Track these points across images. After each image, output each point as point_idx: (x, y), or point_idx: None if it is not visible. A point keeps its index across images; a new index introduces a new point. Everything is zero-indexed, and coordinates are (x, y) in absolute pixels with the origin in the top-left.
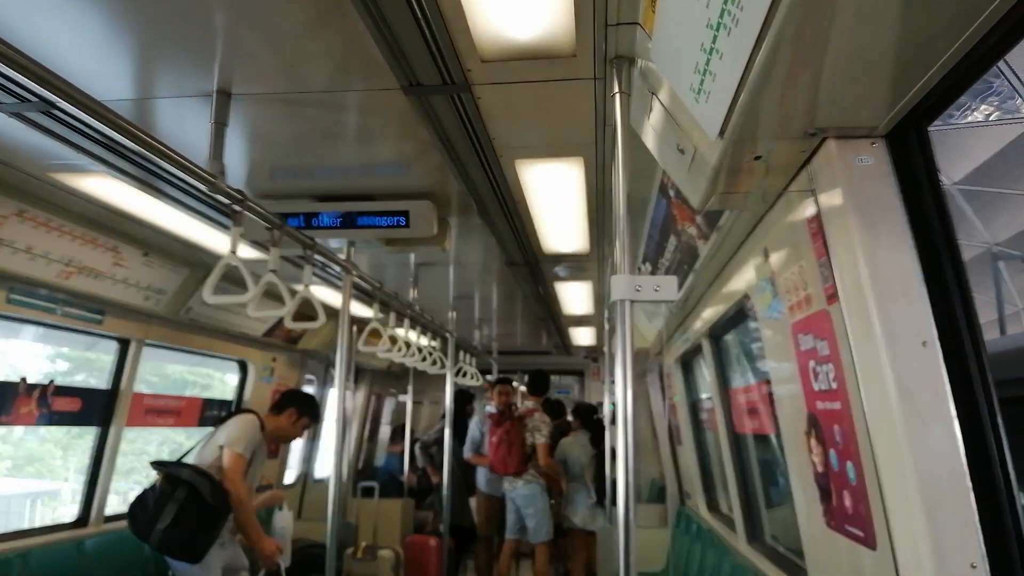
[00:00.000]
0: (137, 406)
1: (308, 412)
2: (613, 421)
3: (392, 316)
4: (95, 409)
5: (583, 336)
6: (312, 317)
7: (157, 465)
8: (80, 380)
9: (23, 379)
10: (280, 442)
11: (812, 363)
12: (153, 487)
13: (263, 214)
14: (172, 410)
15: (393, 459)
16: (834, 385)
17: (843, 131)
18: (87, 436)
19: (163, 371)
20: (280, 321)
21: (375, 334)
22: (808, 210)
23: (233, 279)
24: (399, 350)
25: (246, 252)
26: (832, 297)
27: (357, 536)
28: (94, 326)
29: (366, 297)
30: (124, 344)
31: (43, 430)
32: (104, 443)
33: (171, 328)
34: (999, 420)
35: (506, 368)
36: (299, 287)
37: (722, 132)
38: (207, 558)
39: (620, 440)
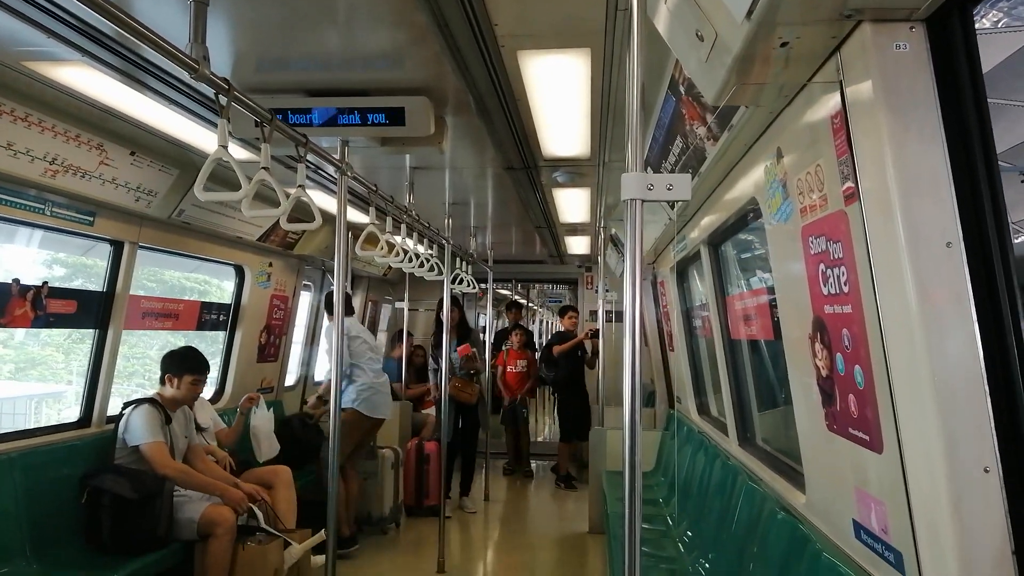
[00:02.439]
0: (135, 309)
1: (186, 369)
2: (596, 335)
3: (388, 222)
4: (91, 312)
5: (578, 245)
6: (307, 220)
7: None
8: (78, 285)
9: (16, 280)
10: (182, 406)
11: (822, 266)
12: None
13: (252, 107)
14: (170, 313)
15: (391, 363)
16: (845, 288)
17: (881, 13)
18: (88, 340)
19: (161, 277)
20: (275, 226)
21: (371, 240)
22: (832, 104)
23: (224, 180)
24: (396, 256)
25: (238, 154)
26: (851, 197)
27: None
28: (85, 228)
29: (361, 202)
30: (117, 247)
31: (44, 334)
32: (103, 346)
33: (165, 231)
34: (1021, 325)
35: (501, 277)
36: (293, 190)
37: (750, 13)
38: (186, 506)
39: (627, 343)
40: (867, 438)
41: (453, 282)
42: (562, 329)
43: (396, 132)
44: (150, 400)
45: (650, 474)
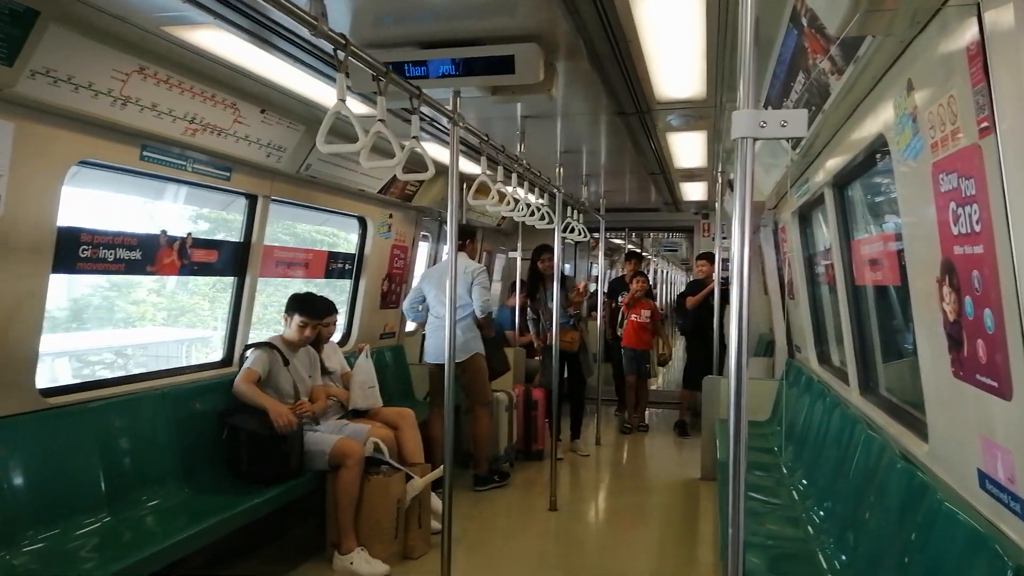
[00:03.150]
0: (269, 259)
1: (296, 310)
2: (726, 287)
3: (500, 171)
4: (230, 261)
5: (694, 191)
6: (421, 171)
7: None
8: (220, 238)
9: (163, 232)
10: (303, 345)
11: (953, 205)
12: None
13: (368, 61)
14: (301, 262)
15: (505, 311)
16: (977, 228)
17: None
18: (229, 289)
19: (293, 231)
20: (394, 178)
21: (483, 189)
22: (968, 29)
23: (344, 134)
24: (507, 205)
25: (357, 108)
26: (986, 130)
27: None
28: (223, 182)
29: (473, 153)
30: (252, 200)
31: (191, 284)
32: (241, 292)
33: (293, 184)
34: None
35: (614, 226)
36: (408, 142)
37: None
38: (319, 440)
39: (735, 289)
40: (995, 384)
41: (564, 231)
42: (697, 279)
43: (506, 81)
44: (267, 343)
45: (766, 423)
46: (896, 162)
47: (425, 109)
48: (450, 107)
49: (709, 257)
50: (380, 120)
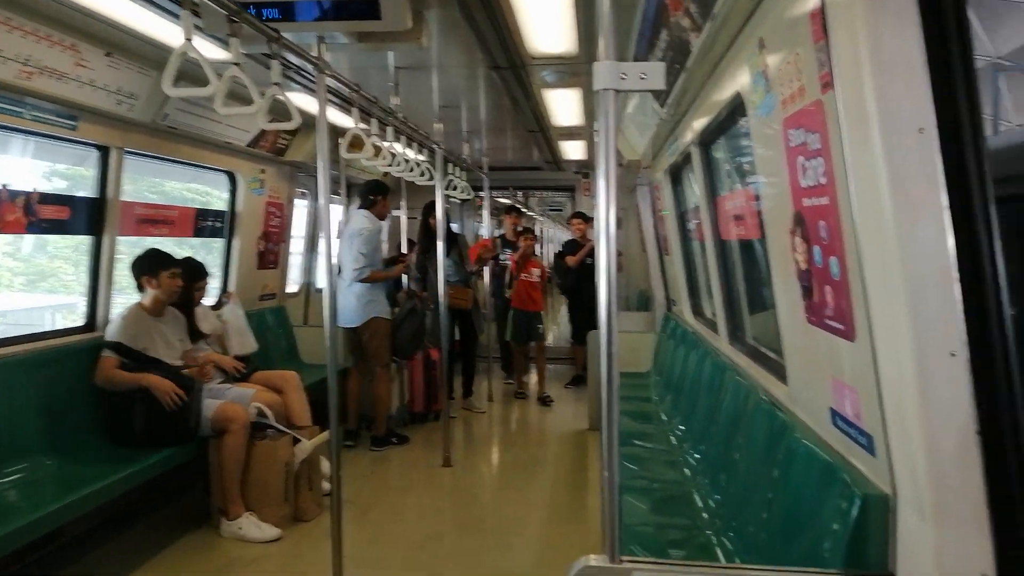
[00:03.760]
0: (128, 216)
1: (153, 269)
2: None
3: (374, 124)
4: (85, 218)
5: (573, 150)
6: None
7: None
8: (73, 194)
9: (4, 186)
10: (166, 306)
11: (801, 159)
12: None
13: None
14: (166, 220)
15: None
16: (823, 180)
17: None
18: None
19: (161, 189)
20: (264, 131)
21: (358, 143)
22: None
23: (203, 81)
24: (384, 160)
25: (217, 55)
26: (827, 85)
27: None
28: (69, 132)
29: (346, 105)
30: (104, 152)
31: (51, 247)
32: (99, 252)
33: (152, 136)
34: (992, 212)
35: (497, 184)
36: (269, 89)
37: None
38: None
39: (601, 246)
40: (842, 327)
41: (447, 188)
42: (573, 237)
43: (372, 27)
44: (123, 316)
45: (646, 374)
46: (752, 119)
47: (295, 60)
48: (315, 54)
49: (584, 216)
50: (235, 64)
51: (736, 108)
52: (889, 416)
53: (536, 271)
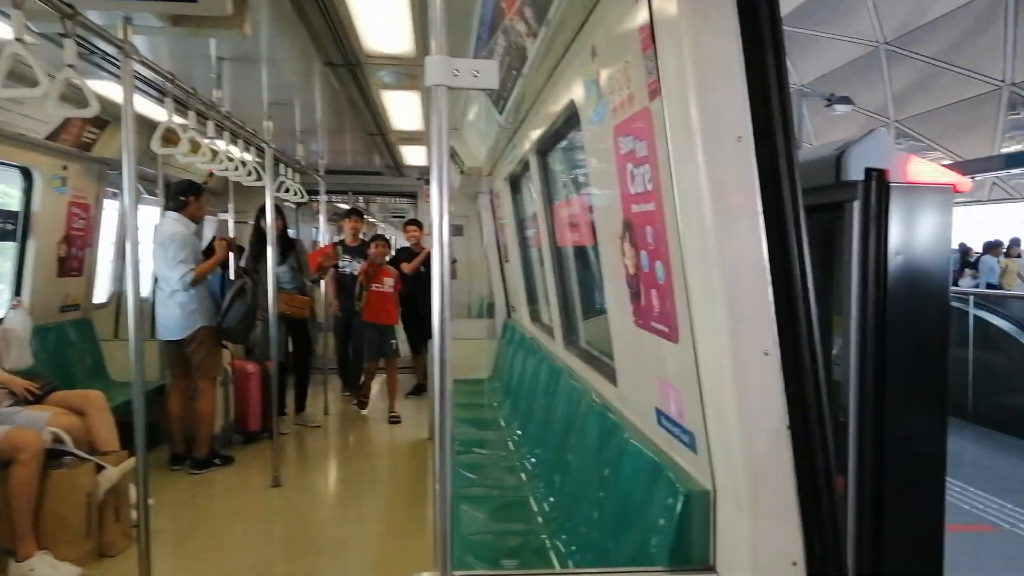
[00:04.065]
0: None
1: None
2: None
3: (192, 118)
4: None
5: (415, 155)
6: (101, 122)
7: None
8: None
9: None
10: None
11: (630, 166)
12: None
13: None
14: None
15: (217, 279)
16: (649, 187)
17: None
18: None
19: None
20: (66, 123)
21: (173, 138)
22: None
23: None
24: (204, 156)
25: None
26: (655, 93)
27: None
28: None
29: (161, 95)
30: None
31: None
32: None
33: None
34: (801, 217)
35: (336, 188)
36: (62, 72)
37: None
38: None
39: (435, 252)
40: (667, 330)
41: (278, 190)
42: (406, 245)
43: (186, 9)
44: None
45: (487, 381)
46: (585, 127)
47: (104, 46)
48: (120, 35)
49: (419, 223)
50: (17, 40)
51: (571, 116)
52: (709, 414)
53: (389, 280)
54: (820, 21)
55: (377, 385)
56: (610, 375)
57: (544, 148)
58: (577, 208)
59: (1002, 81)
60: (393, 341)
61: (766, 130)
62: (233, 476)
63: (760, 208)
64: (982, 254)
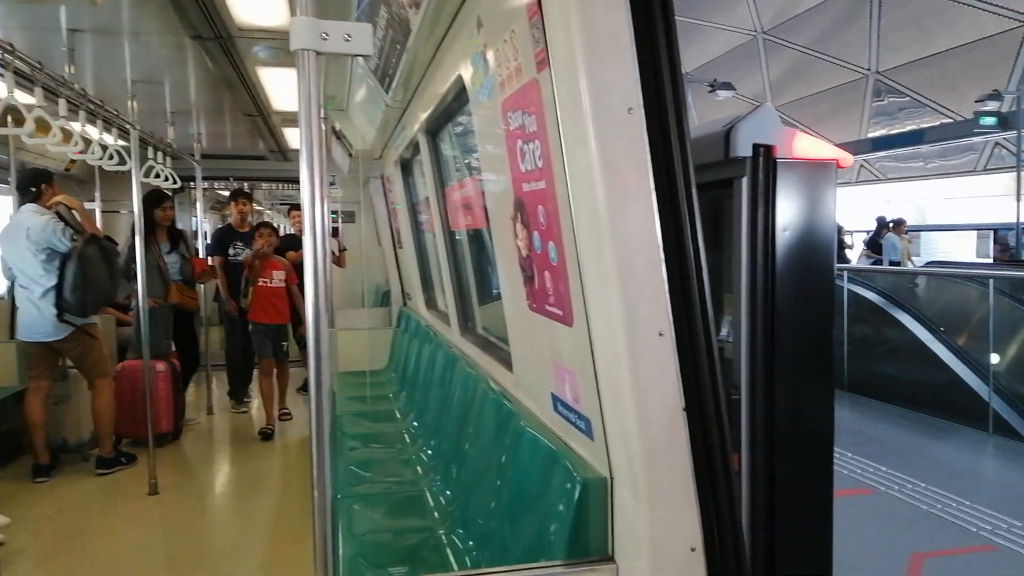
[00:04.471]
0: None
1: None
2: (334, 233)
3: (39, 94)
4: None
5: (299, 138)
6: None
7: None
8: None
9: None
10: None
11: (520, 142)
12: None
13: None
14: None
15: None
16: (540, 164)
17: None
18: None
19: None
20: None
21: (18, 117)
22: None
23: None
24: (54, 138)
25: None
26: (543, 63)
27: None
28: None
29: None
30: None
31: None
32: None
33: None
34: (693, 195)
35: (213, 174)
36: None
37: None
38: None
39: (307, 236)
40: (560, 313)
41: (146, 176)
42: (292, 232)
43: None
44: None
45: (383, 371)
46: (473, 104)
47: None
48: None
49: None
50: None
51: (460, 92)
52: (605, 398)
53: (279, 274)
54: (704, 11)
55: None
56: (506, 361)
57: (434, 128)
58: (469, 190)
59: (868, 69)
60: (284, 343)
61: (658, 103)
62: (105, 486)
63: (652, 185)
64: (872, 233)
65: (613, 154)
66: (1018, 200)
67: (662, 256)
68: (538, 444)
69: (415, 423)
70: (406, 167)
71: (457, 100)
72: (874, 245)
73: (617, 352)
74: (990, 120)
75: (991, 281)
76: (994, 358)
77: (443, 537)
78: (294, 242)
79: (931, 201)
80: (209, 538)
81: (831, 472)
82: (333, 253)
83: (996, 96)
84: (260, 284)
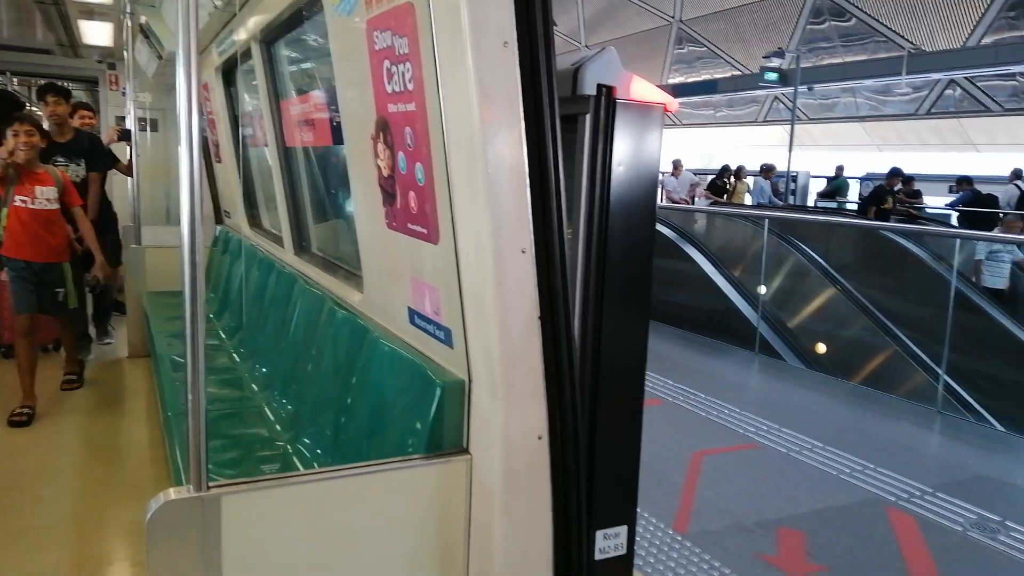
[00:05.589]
0: None
1: None
2: (127, 136)
3: None
4: None
5: (97, 33)
6: None
7: None
8: None
9: None
10: None
11: (387, 63)
12: None
13: None
14: None
15: None
16: (410, 86)
17: None
18: None
19: None
20: None
21: None
22: None
23: None
24: None
25: None
26: None
27: None
28: None
29: None
30: None
31: None
32: None
33: None
34: (557, 124)
35: None
36: None
37: None
38: None
39: (184, 149)
40: (425, 231)
41: None
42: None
43: None
44: None
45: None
46: (329, 17)
47: None
48: None
49: (89, 107)
50: None
51: (312, 2)
52: (468, 310)
53: (46, 191)
54: None
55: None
56: (353, 279)
57: (272, 37)
58: (312, 106)
59: (672, 17)
60: (60, 291)
61: (530, 39)
62: None
63: (522, 114)
64: (714, 176)
65: (489, 84)
66: (790, 151)
67: (527, 180)
68: (395, 355)
69: (243, 343)
70: (230, 76)
71: (307, 10)
72: (714, 187)
73: (483, 267)
74: (772, 76)
75: (766, 221)
76: (761, 289)
77: (288, 447)
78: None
79: (718, 148)
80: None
81: (643, 384)
82: (123, 161)
83: (779, 54)
84: (16, 205)
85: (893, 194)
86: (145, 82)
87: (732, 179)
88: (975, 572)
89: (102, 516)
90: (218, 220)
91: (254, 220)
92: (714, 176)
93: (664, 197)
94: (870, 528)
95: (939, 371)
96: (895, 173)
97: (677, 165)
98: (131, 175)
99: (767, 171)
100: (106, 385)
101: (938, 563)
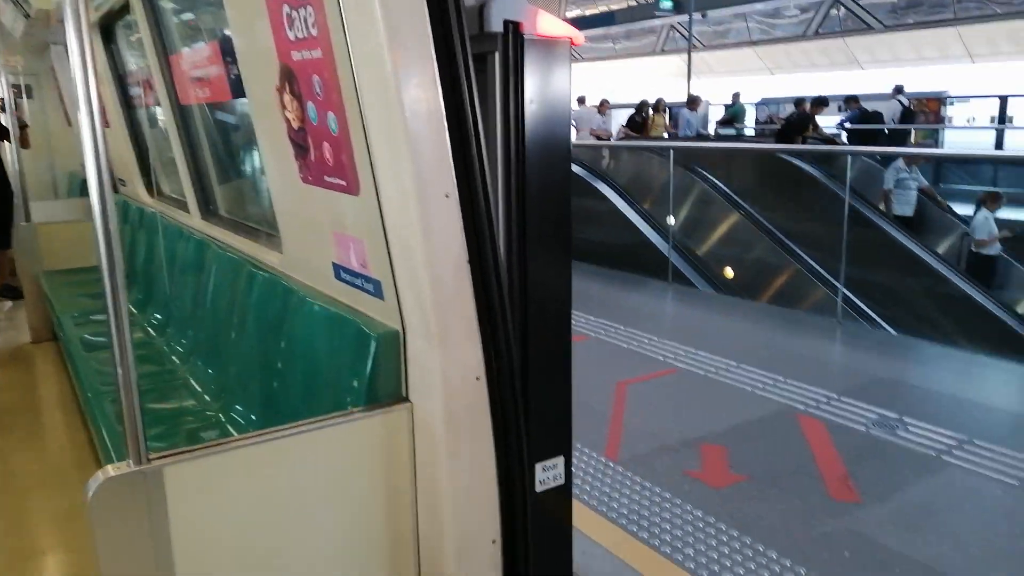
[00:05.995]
0: None
1: None
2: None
3: None
4: None
5: None
6: None
7: None
8: None
9: None
10: None
11: (287, 8)
12: None
13: None
14: None
15: None
16: (314, 32)
17: None
18: None
19: None
20: None
21: None
22: None
23: None
24: None
25: None
26: None
27: None
28: None
29: None
30: None
31: None
32: None
33: None
34: (471, 65)
35: None
36: None
37: None
38: None
39: (83, 114)
40: (344, 183)
41: None
42: None
43: None
44: None
45: (94, 268)
46: None
47: None
48: None
49: None
50: None
51: None
52: (396, 259)
53: None
54: None
55: None
56: (269, 239)
57: None
58: (205, 58)
59: None
60: None
61: None
62: None
63: (433, 54)
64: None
65: (397, 26)
66: (688, 79)
67: (445, 124)
68: (324, 312)
69: (158, 315)
70: (108, 32)
71: None
72: (633, 124)
73: (408, 215)
74: (667, 4)
75: (671, 152)
76: (670, 220)
77: (220, 416)
78: None
79: (618, 82)
80: None
81: (569, 321)
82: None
83: None
84: None
85: (814, 121)
86: (12, 44)
87: (651, 111)
88: (879, 466)
89: (27, 506)
90: (113, 188)
91: (152, 186)
92: (633, 113)
93: (588, 136)
94: (784, 436)
95: (838, 285)
96: (820, 101)
97: (604, 103)
98: (27, 146)
99: (692, 103)
100: (12, 373)
101: (846, 461)
